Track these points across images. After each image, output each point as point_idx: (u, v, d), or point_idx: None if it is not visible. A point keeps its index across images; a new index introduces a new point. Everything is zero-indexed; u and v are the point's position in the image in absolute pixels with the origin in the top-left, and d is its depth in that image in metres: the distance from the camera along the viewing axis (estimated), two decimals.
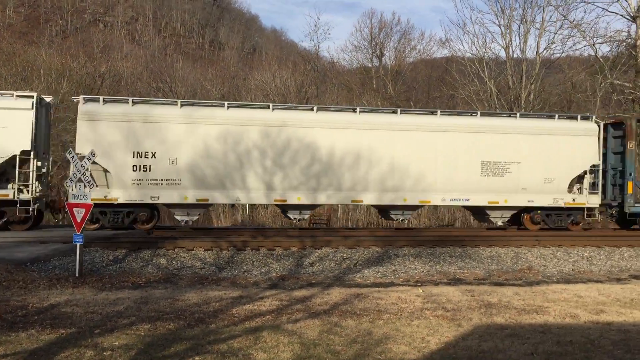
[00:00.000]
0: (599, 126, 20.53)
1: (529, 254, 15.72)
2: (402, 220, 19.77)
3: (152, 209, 18.31)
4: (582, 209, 20.30)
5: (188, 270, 13.27)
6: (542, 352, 7.62)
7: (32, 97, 17.87)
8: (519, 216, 20.44)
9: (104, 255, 13.87)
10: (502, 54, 34.99)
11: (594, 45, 33.25)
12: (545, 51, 33.72)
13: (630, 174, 20.34)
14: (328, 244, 15.66)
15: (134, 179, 17.33)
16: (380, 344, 7.84)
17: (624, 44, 33.72)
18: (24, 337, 7.83)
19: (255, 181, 18.08)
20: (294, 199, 18.26)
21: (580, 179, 20.51)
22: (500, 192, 19.51)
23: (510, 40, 33.72)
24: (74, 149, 15.38)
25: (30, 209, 17.54)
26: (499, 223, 20.21)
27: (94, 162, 14.41)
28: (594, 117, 21.26)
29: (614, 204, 20.85)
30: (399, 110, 19.85)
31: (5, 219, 17.71)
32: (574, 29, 33.33)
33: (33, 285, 11.38)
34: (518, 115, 20.81)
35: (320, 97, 42.28)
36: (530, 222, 20.36)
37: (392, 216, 19.66)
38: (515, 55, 34.22)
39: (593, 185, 20.46)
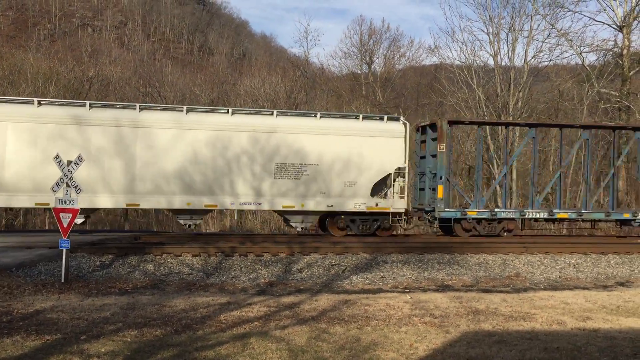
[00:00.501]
0: (405, 127, 19.70)
1: (517, 260, 15.79)
2: (190, 226, 18.69)
3: None
4: (387, 213, 19.51)
5: (176, 276, 13.19)
6: (529, 358, 7.65)
7: None
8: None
9: (91, 260, 13.76)
10: (491, 61, 35.26)
11: (581, 54, 33.64)
12: (533, 59, 34.00)
13: (441, 177, 19.68)
14: (316, 250, 15.64)
15: None
16: (368, 351, 7.83)
17: (611, 52, 34.16)
18: (9, 343, 7.74)
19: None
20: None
21: (386, 182, 19.58)
22: (296, 196, 18.70)
23: (499, 48, 33.98)
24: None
25: None
26: (299, 229, 19.30)
27: None
28: (401, 117, 20.31)
29: (428, 208, 20.16)
30: (184, 108, 18.69)
31: None
32: (562, 37, 33.68)
33: (18, 290, 11.26)
34: (319, 115, 19.59)
35: (310, 104, 42.32)
36: (335, 228, 19.66)
37: (181, 221, 18.73)
38: (503, 63, 34.47)
39: (398, 189, 19.52)
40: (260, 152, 18.51)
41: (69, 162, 12.56)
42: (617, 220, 21.72)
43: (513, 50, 33.87)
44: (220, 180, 18.25)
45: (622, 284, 14.28)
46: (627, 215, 21.22)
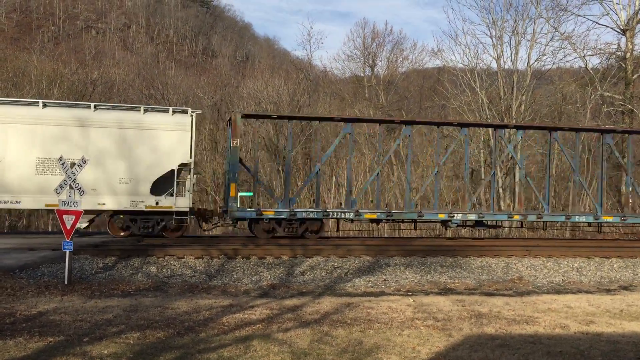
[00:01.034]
0: (192, 120, 18.27)
1: (520, 264, 15.76)
2: None
3: None
4: (171, 213, 18.11)
5: (178, 278, 13.20)
6: None
7: None
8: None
9: (94, 262, 13.78)
10: (494, 65, 35.24)
11: (584, 57, 33.61)
12: (536, 63, 34.01)
13: (234, 175, 18.49)
14: (319, 252, 15.64)
15: None
16: (370, 354, 7.82)
17: (614, 56, 34.11)
18: (12, 345, 7.75)
19: None
20: None
21: (172, 179, 17.97)
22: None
23: (502, 51, 33.97)
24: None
25: None
26: (82, 227, 17.77)
27: None
28: (190, 110, 18.63)
29: (226, 208, 18.91)
30: None
31: None
32: (565, 41, 33.67)
33: (21, 292, 11.29)
34: (93, 106, 17.93)
35: (313, 106, 42.35)
36: (115, 228, 18.32)
37: None
38: (506, 67, 34.48)
39: (183, 187, 18.15)
40: (22, 145, 16.99)
41: (73, 164, 12.60)
42: (435, 222, 21.00)
43: (516, 53, 33.90)
44: None
45: (625, 288, 14.24)
46: (442, 216, 20.03)
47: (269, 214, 18.77)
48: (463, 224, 21.49)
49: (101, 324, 9.04)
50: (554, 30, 33.86)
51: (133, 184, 17.66)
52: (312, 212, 19.30)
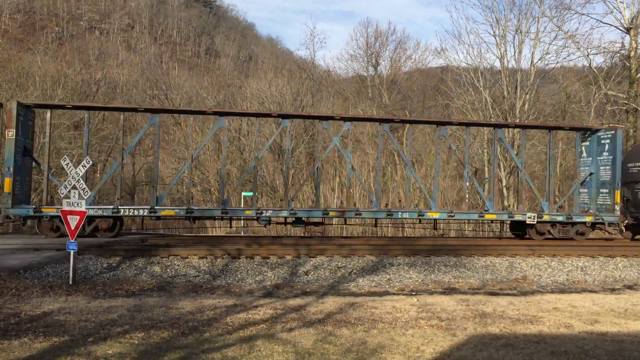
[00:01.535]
0: None
1: (524, 263, 15.74)
2: None
3: None
4: None
5: (182, 278, 13.22)
6: None
7: None
8: None
9: (98, 262, 13.81)
10: (497, 64, 35.22)
11: (588, 56, 33.51)
12: (539, 61, 33.91)
13: (9, 169, 17.19)
14: (323, 252, 15.64)
15: None
16: (374, 354, 7.82)
17: (618, 54, 34.02)
18: (17, 345, 7.78)
19: None
20: None
21: None
22: None
23: (505, 50, 33.89)
24: (68, 155, 15.31)
25: None
26: None
27: None
28: None
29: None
30: None
31: None
32: (569, 39, 33.56)
33: (26, 292, 11.32)
34: None
35: (316, 106, 42.37)
36: None
37: None
38: (510, 66, 34.40)
39: None
40: None
41: (77, 165, 12.63)
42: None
43: (520, 52, 33.78)
44: None
45: (630, 287, 14.21)
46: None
47: (51, 211, 17.52)
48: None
49: (106, 324, 9.06)
50: (557, 29, 33.76)
51: None
52: (107, 209, 18.07)
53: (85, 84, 41.40)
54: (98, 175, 33.35)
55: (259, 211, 18.93)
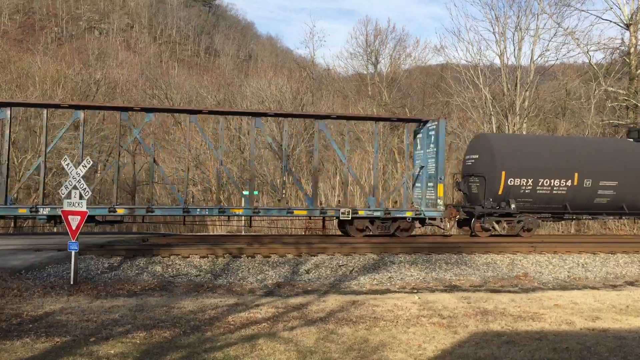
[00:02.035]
0: None
1: (525, 260, 15.74)
2: None
3: None
4: None
5: (183, 277, 13.23)
6: (538, 359, 7.63)
7: None
8: None
9: (99, 262, 13.82)
10: (497, 61, 35.29)
11: (587, 52, 33.57)
12: (539, 58, 33.98)
13: None
14: (324, 251, 15.64)
15: None
16: (376, 352, 7.83)
17: (618, 51, 34.05)
18: (19, 345, 7.78)
19: None
20: None
21: None
22: None
23: (505, 47, 33.96)
24: (69, 156, 15.31)
25: None
26: None
27: None
28: None
29: None
30: None
31: None
32: (568, 36, 33.62)
33: (28, 293, 11.32)
34: None
35: (316, 104, 42.35)
36: None
37: None
38: (509, 63, 34.44)
39: None
40: None
41: (77, 165, 12.63)
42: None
43: (519, 49, 33.85)
44: None
45: (631, 284, 14.21)
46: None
47: None
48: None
49: (107, 323, 9.07)
50: (557, 26, 33.87)
51: None
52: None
53: (85, 84, 41.45)
54: (99, 175, 33.32)
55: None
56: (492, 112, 33.05)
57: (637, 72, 32.40)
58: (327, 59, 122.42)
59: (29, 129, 34.02)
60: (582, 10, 35.66)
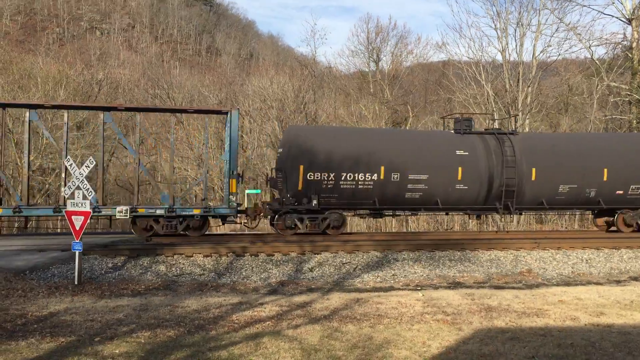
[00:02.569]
0: None
1: (528, 257, 15.72)
2: None
3: None
4: None
5: (187, 276, 13.24)
6: (543, 355, 7.62)
7: None
8: None
9: (103, 262, 13.83)
10: (499, 57, 35.18)
11: (590, 47, 33.45)
12: (541, 54, 33.89)
13: None
14: (327, 249, 15.63)
15: None
16: (381, 349, 7.83)
17: (620, 46, 33.97)
18: (24, 345, 7.80)
19: None
20: None
21: None
22: None
23: (507, 43, 33.89)
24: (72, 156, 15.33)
25: None
26: None
27: None
28: None
29: None
30: None
31: None
32: (570, 31, 33.54)
33: (32, 293, 11.35)
34: None
35: (318, 102, 42.32)
36: None
37: None
38: (511, 59, 34.39)
39: None
40: None
41: (80, 165, 12.65)
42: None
43: (521, 45, 33.81)
44: None
45: (635, 279, 14.18)
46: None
47: None
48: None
49: (112, 323, 9.09)
50: (559, 21, 33.75)
51: None
52: None
53: (87, 85, 41.48)
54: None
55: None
56: (494, 108, 33.00)
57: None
58: (329, 57, 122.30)
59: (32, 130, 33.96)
60: (584, 6, 35.69)
